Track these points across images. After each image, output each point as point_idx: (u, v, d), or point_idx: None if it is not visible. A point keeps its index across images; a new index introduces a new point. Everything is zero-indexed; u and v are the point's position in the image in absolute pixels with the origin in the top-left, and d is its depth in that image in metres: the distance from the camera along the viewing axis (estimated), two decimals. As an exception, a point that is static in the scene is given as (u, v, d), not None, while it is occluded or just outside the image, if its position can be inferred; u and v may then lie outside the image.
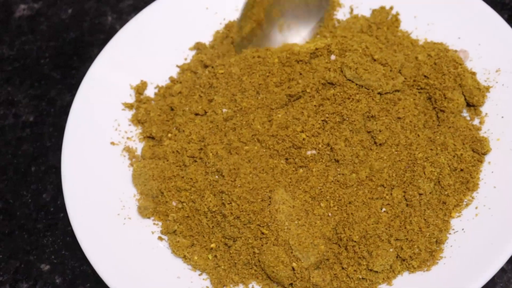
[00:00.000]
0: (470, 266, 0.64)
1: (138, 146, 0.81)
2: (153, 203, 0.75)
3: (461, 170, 0.71)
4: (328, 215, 0.69)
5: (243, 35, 0.86)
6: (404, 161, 0.70)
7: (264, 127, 0.74)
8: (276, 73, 0.77)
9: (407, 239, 0.67)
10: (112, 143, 0.80)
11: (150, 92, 0.85)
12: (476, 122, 0.75)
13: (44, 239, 0.81)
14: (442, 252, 0.67)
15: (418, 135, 0.72)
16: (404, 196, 0.69)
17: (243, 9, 0.87)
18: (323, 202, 0.70)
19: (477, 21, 0.79)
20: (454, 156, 0.71)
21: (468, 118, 0.76)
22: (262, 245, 0.68)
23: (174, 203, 0.74)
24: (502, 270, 0.72)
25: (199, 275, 0.71)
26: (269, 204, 0.69)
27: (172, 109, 0.82)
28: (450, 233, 0.68)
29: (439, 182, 0.69)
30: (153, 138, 0.81)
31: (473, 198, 0.70)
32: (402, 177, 0.70)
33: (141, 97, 0.84)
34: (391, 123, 0.72)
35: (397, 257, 0.67)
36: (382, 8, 0.85)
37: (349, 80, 0.73)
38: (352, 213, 0.68)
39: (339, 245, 0.68)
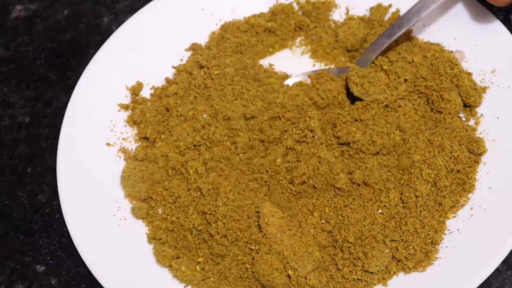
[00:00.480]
0: (466, 266, 0.64)
1: (134, 147, 0.81)
2: (146, 204, 0.75)
3: (458, 171, 0.71)
4: (322, 222, 0.69)
5: None
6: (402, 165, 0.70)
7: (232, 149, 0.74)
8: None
9: (402, 240, 0.67)
10: (108, 144, 0.80)
11: (145, 93, 0.85)
12: (471, 123, 0.75)
13: (40, 240, 0.81)
14: (437, 253, 0.67)
15: (418, 138, 0.72)
16: (400, 198, 0.69)
17: None
18: (316, 212, 0.69)
19: (472, 22, 0.79)
20: (451, 158, 0.71)
21: (463, 119, 0.76)
22: (253, 258, 0.68)
23: (159, 211, 0.73)
24: (497, 271, 0.72)
25: (184, 287, 0.70)
26: (258, 218, 0.69)
27: (167, 110, 0.81)
28: (445, 234, 0.68)
29: (435, 183, 0.69)
30: (147, 139, 0.81)
31: (468, 199, 0.70)
32: (399, 180, 0.70)
33: (136, 98, 0.84)
34: (389, 132, 0.71)
35: (392, 258, 0.67)
36: (379, 5, 0.85)
37: (357, 97, 0.73)
38: (347, 215, 0.68)
39: (335, 247, 0.68)
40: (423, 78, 0.75)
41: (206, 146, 0.74)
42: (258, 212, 0.69)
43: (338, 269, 0.67)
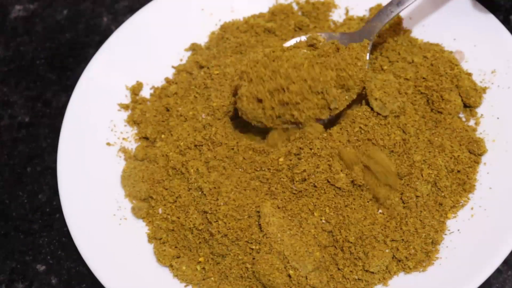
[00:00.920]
0: (466, 266, 0.64)
1: (134, 147, 0.81)
2: (147, 204, 0.75)
3: (458, 171, 0.71)
4: (323, 222, 0.69)
5: None
6: (403, 166, 0.70)
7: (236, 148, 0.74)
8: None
9: (403, 240, 0.67)
10: (108, 144, 0.80)
11: (145, 93, 0.85)
12: (471, 123, 0.75)
13: (40, 239, 0.81)
14: (438, 253, 0.67)
15: (419, 138, 0.72)
16: (401, 198, 0.69)
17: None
18: (316, 212, 0.69)
19: (472, 22, 0.79)
20: (451, 158, 0.71)
21: (464, 119, 0.76)
22: (253, 258, 0.67)
23: (160, 211, 0.74)
24: (498, 271, 0.72)
25: (185, 286, 0.70)
26: (259, 218, 0.69)
27: (167, 110, 0.82)
28: (446, 234, 0.68)
29: (436, 183, 0.69)
30: (148, 139, 0.81)
31: (468, 199, 0.70)
32: (400, 180, 0.70)
33: (136, 98, 0.84)
34: (389, 132, 0.71)
35: (393, 257, 0.67)
36: (379, 5, 0.85)
37: (377, 112, 0.71)
38: (348, 215, 0.68)
39: (335, 246, 0.68)
40: (423, 78, 0.75)
41: (208, 146, 0.74)
42: (258, 211, 0.69)
43: (338, 269, 0.67)
